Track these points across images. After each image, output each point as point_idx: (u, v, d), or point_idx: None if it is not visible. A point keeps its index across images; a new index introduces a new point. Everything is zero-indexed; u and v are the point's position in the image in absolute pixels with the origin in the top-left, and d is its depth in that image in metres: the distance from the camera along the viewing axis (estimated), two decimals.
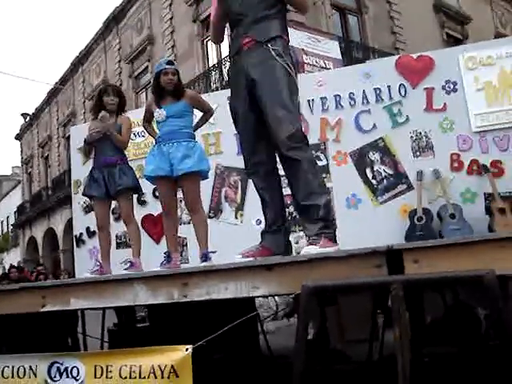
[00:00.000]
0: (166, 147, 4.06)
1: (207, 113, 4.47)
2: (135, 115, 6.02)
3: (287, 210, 5.99)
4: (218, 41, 3.90)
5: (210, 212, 6.14)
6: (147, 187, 5.15)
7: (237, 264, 2.39)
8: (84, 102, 26.21)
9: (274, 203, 3.41)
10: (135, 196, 4.86)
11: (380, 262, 2.05)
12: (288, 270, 2.23)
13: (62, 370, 2.66)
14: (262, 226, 6.03)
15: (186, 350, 2.40)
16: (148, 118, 4.48)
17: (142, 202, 6.51)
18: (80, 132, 7.66)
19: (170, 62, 4.29)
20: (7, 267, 19.91)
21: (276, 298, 9.54)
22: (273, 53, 3.17)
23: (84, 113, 26.07)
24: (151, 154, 4.23)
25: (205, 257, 3.93)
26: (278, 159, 3.48)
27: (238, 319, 2.60)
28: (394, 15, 17.82)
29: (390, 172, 5.92)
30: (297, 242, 5.88)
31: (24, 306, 2.87)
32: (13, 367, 2.77)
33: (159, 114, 4.13)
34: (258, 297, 3.80)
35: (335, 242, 3.07)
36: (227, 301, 2.73)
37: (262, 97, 3.20)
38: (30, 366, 2.74)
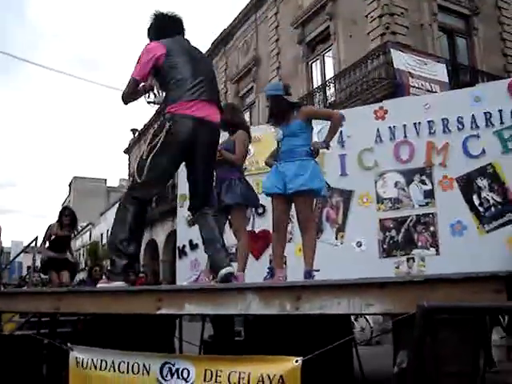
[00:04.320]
0: (281, 166, 4.23)
1: (331, 119, 4.42)
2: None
3: (388, 233, 5.99)
4: None
5: None
6: None
7: (350, 280, 2.42)
8: None
9: None
10: None
11: (499, 286, 2.00)
12: (402, 289, 2.23)
13: (173, 371, 2.82)
14: (363, 248, 6.12)
15: (296, 361, 2.46)
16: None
17: None
18: None
19: (267, 87, 4.54)
20: None
21: (371, 322, 9.39)
22: None
23: None
24: (271, 172, 4.42)
25: (308, 275, 3.99)
26: None
27: (333, 337, 2.62)
28: (506, 37, 17.12)
29: (499, 200, 5.71)
30: (397, 267, 5.81)
31: (141, 307, 3.07)
32: (128, 363, 2.97)
33: (276, 133, 4.29)
34: (371, 314, 3.79)
35: None
36: (324, 319, 2.76)
37: None
38: (144, 364, 2.93)
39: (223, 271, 3.57)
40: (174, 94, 3.67)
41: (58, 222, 8.35)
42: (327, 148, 4.39)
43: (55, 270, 8.33)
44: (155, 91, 3.89)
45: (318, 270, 4.03)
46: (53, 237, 8.22)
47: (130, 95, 3.87)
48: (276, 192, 4.24)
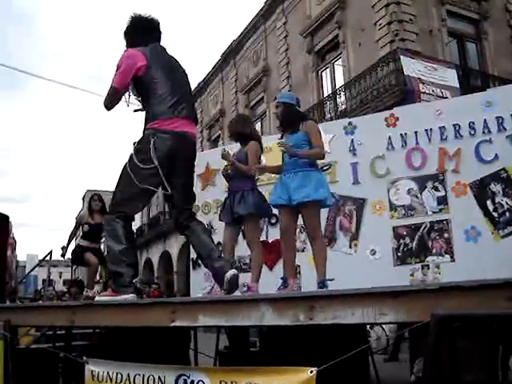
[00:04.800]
0: (285, 177, 4.24)
1: (316, 149, 4.28)
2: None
3: (402, 241, 5.96)
4: None
5: None
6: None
7: (363, 290, 2.41)
8: (201, 131, 27.37)
9: None
10: None
11: None
12: (415, 297, 2.22)
13: (188, 383, 2.83)
14: (377, 256, 6.10)
15: (311, 372, 2.45)
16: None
17: None
18: (199, 159, 8.05)
19: (277, 97, 4.53)
20: None
21: (387, 331, 9.32)
22: None
23: (201, 141, 27.20)
24: (276, 183, 4.43)
25: (322, 284, 3.98)
26: None
27: (348, 346, 2.60)
28: None
29: None
30: (412, 274, 5.77)
31: (155, 319, 3.08)
32: (143, 376, 2.98)
33: (280, 144, 4.28)
34: (386, 323, 3.76)
35: None
36: (339, 328, 2.74)
37: None
38: (159, 377, 2.93)
39: (228, 275, 3.59)
40: (155, 110, 3.76)
41: (88, 209, 8.04)
42: (291, 156, 4.23)
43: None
44: (134, 96, 3.94)
45: (332, 279, 4.02)
46: (85, 226, 7.64)
47: (111, 103, 3.93)
48: (281, 203, 4.26)
